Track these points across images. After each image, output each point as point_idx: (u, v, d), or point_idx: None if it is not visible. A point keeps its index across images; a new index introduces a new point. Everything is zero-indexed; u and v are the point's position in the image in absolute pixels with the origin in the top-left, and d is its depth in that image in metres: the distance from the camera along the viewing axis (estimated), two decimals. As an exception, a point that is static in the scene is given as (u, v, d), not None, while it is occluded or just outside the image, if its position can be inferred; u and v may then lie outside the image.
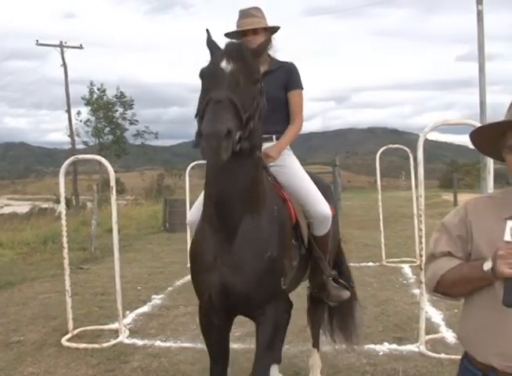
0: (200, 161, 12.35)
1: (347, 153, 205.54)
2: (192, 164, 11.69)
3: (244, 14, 3.87)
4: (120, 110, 36.28)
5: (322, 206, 3.83)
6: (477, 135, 2.07)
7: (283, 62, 3.98)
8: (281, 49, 4.05)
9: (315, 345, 4.90)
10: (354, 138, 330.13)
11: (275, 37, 3.92)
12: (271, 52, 3.93)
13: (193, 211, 3.84)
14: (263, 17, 3.90)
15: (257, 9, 3.92)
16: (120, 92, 36.47)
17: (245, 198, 3.09)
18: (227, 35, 3.86)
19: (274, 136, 3.85)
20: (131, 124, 36.58)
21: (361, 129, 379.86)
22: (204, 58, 3.20)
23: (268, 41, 3.33)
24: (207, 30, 3.21)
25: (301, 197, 3.79)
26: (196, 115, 2.93)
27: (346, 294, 4.18)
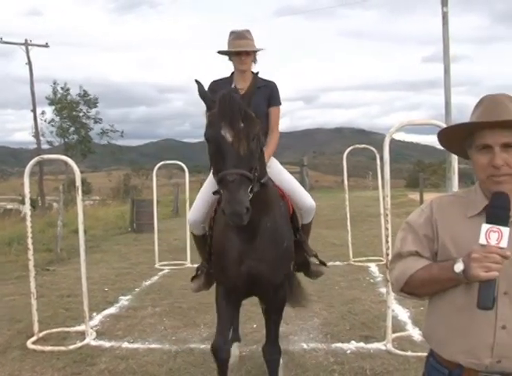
0: (167, 161, 12.31)
1: (315, 153, 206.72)
2: (159, 165, 11.63)
3: (239, 36, 4.40)
4: (84, 109, 35.96)
5: (308, 199, 4.58)
6: (444, 134, 2.10)
7: (266, 80, 4.50)
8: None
9: None
10: (321, 138, 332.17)
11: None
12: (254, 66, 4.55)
13: (194, 212, 4.48)
14: (253, 39, 4.46)
15: (248, 31, 4.48)
16: (84, 91, 36.15)
17: (261, 204, 3.60)
18: (221, 52, 4.49)
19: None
20: (95, 122, 36.29)
21: (328, 129, 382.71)
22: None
23: (254, 87, 3.65)
24: (197, 80, 3.59)
25: (289, 193, 4.43)
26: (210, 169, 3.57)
27: (324, 269, 5.00)
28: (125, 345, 5.86)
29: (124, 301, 7.82)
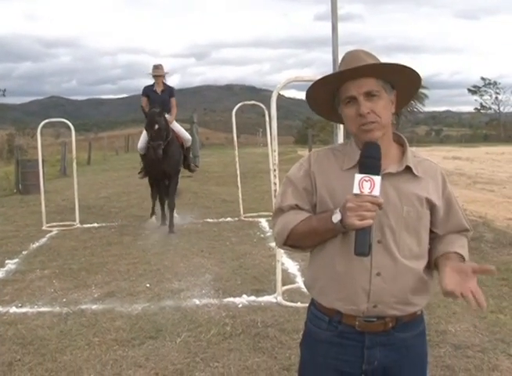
0: (52, 119, 11.84)
1: (206, 111, 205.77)
2: (43, 123, 11.10)
3: (156, 67, 9.69)
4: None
5: (187, 134, 10.31)
6: (311, 97, 2.13)
7: (170, 86, 10.00)
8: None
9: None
10: (212, 95, 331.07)
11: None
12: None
13: (141, 143, 9.63)
14: (163, 69, 9.80)
15: (160, 65, 9.83)
16: (-37, 47, 34.02)
17: (168, 144, 9.23)
18: (149, 74, 9.84)
19: (168, 114, 9.49)
20: (-24, 80, 34.33)
21: (219, 86, 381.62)
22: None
23: (164, 113, 9.34)
24: (142, 106, 9.39)
25: (180, 134, 9.94)
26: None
27: (196, 168, 11.34)
28: (13, 309, 5.69)
29: (10, 264, 7.56)
